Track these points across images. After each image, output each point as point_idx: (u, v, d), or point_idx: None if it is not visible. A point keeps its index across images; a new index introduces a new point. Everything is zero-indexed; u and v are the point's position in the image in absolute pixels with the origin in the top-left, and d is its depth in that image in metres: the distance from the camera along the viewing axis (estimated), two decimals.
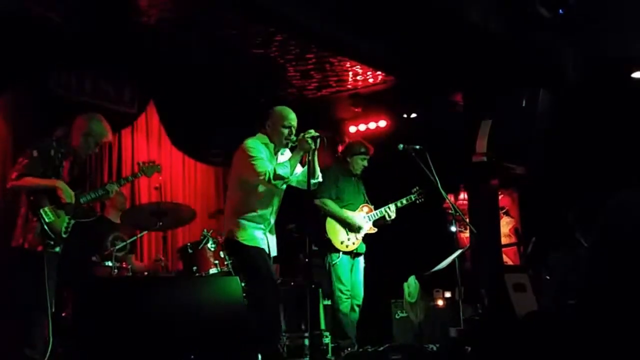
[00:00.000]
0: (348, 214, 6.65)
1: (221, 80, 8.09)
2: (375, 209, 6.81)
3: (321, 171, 5.43)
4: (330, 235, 6.57)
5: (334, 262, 6.55)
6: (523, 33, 7.10)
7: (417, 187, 6.89)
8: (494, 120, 7.22)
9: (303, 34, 7.06)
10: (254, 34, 7.03)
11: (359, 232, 6.65)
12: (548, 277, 6.21)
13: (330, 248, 6.57)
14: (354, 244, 6.64)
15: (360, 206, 6.79)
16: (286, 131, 5.31)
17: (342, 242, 6.59)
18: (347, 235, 6.62)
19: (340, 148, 6.99)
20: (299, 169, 5.38)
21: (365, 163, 6.83)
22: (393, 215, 6.77)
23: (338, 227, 6.60)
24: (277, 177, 5.07)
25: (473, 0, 6.72)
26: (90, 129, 5.54)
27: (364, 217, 6.73)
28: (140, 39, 7.00)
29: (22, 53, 6.46)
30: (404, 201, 6.84)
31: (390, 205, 6.78)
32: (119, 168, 7.71)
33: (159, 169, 6.14)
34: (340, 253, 6.58)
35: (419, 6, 6.52)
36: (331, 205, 6.59)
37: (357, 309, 6.67)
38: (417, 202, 6.93)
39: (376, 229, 6.78)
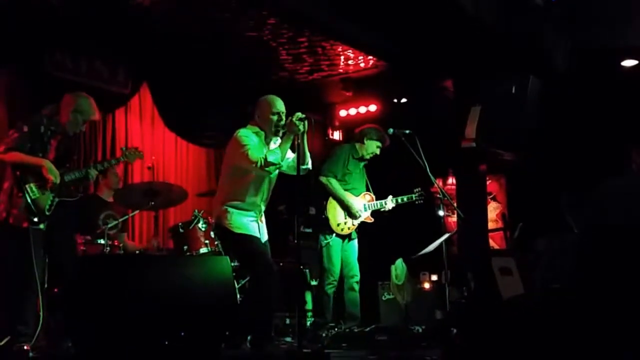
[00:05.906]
0: (350, 198, 6.63)
1: (214, 62, 8.11)
2: (375, 199, 6.81)
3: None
4: (329, 214, 6.56)
5: (326, 242, 6.55)
6: (514, 20, 7.16)
7: (419, 189, 6.81)
8: (484, 106, 7.30)
9: (295, 18, 7.10)
10: (247, 17, 7.06)
11: (356, 218, 6.64)
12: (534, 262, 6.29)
13: (326, 228, 6.56)
14: (349, 228, 6.64)
15: (363, 193, 6.78)
16: (275, 118, 5.34)
17: (338, 225, 6.58)
18: (345, 218, 6.61)
19: (329, 131, 6.87)
20: (290, 155, 5.43)
21: (378, 152, 6.75)
22: (390, 207, 6.78)
23: (338, 208, 6.59)
24: (268, 163, 5.11)
25: None
26: (78, 105, 5.52)
27: (364, 205, 6.70)
28: (134, 20, 7.01)
29: (17, 33, 6.47)
30: (405, 199, 6.80)
31: (392, 198, 6.77)
32: (112, 148, 7.74)
33: (141, 156, 6.09)
34: (334, 235, 6.59)
35: None
36: (336, 185, 6.57)
37: (356, 287, 6.68)
38: (417, 202, 6.86)
39: (373, 219, 6.76)
